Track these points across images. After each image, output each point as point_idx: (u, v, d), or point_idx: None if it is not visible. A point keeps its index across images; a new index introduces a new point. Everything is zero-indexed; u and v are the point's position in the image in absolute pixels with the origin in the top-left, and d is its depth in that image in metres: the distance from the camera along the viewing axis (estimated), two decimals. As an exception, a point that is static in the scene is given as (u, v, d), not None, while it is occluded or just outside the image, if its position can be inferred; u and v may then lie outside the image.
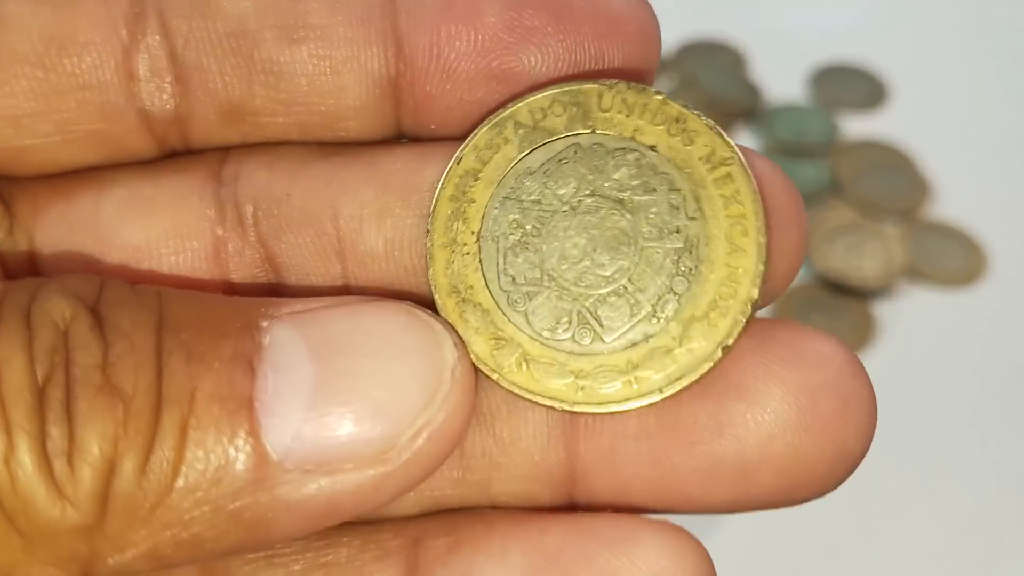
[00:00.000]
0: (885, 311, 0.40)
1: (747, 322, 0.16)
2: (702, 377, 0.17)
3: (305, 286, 0.19)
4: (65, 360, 0.14)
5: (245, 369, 0.15)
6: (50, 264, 0.19)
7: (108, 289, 0.15)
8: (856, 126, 0.46)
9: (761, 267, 0.16)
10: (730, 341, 0.16)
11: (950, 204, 0.43)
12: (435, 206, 0.18)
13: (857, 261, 0.40)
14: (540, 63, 0.18)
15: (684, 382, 0.16)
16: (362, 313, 0.16)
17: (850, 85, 0.48)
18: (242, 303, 0.16)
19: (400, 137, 0.19)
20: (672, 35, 0.49)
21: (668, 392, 0.16)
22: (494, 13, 0.17)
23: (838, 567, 0.33)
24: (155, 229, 0.18)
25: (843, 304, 0.40)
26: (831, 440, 0.16)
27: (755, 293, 0.16)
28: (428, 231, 0.18)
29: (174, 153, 0.19)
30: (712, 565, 0.17)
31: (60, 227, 0.19)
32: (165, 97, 0.18)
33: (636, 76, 0.18)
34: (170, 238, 0.18)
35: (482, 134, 0.18)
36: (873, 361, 0.38)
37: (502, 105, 0.18)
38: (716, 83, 0.47)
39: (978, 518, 0.34)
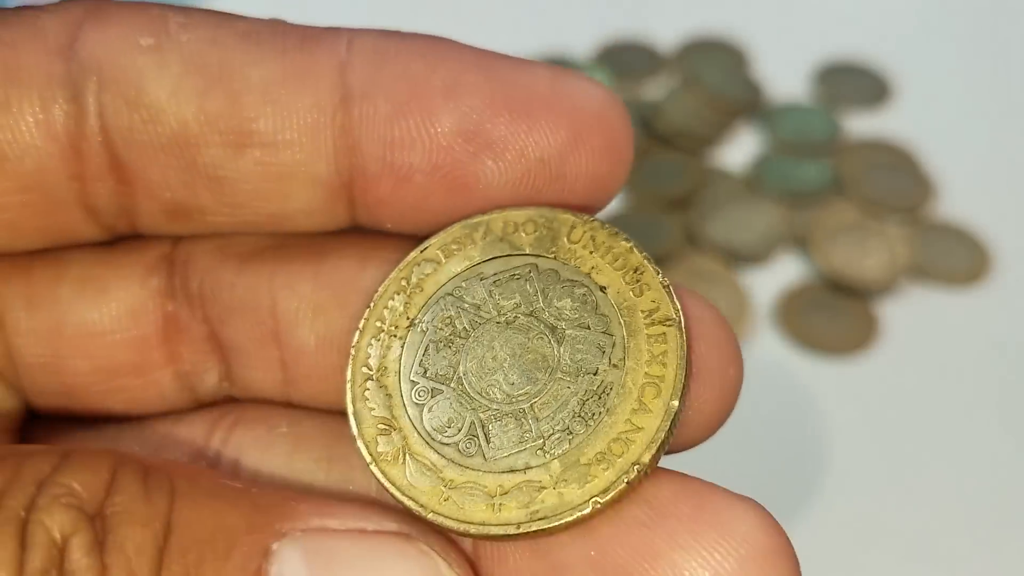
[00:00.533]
0: (888, 311, 0.39)
1: (630, 484, 0.16)
2: (568, 525, 0.16)
3: (253, 375, 0.19)
4: None
5: None
6: (11, 341, 0.19)
7: (119, 488, 0.15)
8: (859, 124, 0.46)
9: (662, 434, 0.16)
10: (604, 498, 0.16)
11: (954, 203, 0.43)
12: (387, 284, 0.18)
13: (860, 260, 0.40)
14: (497, 177, 0.17)
15: (543, 524, 0.16)
16: (381, 554, 0.15)
17: (853, 83, 0.48)
18: (258, 510, 0.15)
19: (355, 227, 0.19)
20: (673, 33, 0.49)
21: (524, 530, 0.16)
22: (450, 119, 0.17)
23: (833, 570, 0.33)
24: (110, 307, 0.19)
25: (845, 303, 0.39)
26: None
27: (646, 458, 0.16)
28: (370, 305, 0.18)
29: (124, 237, 0.19)
30: None
31: (19, 303, 0.19)
32: (109, 196, 0.18)
33: (601, 183, 0.18)
34: (123, 315, 0.19)
35: (453, 230, 0.18)
36: (876, 361, 0.38)
37: (464, 215, 0.18)
38: (718, 81, 0.46)
39: (983, 519, 0.34)
